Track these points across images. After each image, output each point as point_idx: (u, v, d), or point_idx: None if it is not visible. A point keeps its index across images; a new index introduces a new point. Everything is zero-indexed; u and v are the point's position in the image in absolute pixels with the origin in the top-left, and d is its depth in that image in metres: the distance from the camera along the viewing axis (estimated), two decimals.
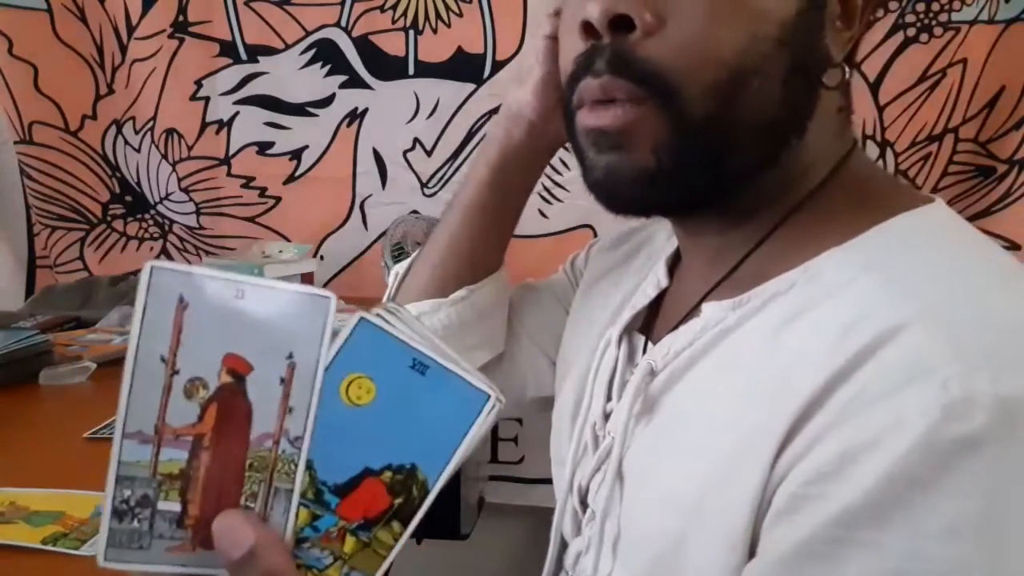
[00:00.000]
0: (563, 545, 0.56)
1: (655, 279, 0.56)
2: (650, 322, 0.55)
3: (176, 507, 0.31)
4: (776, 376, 0.40)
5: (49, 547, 0.59)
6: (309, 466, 0.32)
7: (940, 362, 0.35)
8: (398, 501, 0.33)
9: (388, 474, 0.33)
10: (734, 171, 0.45)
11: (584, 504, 0.53)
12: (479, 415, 0.33)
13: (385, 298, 0.73)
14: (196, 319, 0.30)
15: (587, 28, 0.44)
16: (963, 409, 0.33)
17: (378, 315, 0.33)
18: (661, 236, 0.62)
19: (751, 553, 0.39)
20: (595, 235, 1.35)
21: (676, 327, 0.49)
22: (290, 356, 0.31)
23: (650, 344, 0.52)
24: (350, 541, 0.33)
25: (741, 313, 0.44)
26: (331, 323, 0.31)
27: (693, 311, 0.49)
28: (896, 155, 1.33)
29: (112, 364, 1.06)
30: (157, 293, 0.29)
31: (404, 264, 0.72)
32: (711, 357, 0.45)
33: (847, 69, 0.46)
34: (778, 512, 0.38)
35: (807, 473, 0.37)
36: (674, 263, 0.57)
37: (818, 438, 0.37)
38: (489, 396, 0.33)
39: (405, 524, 0.33)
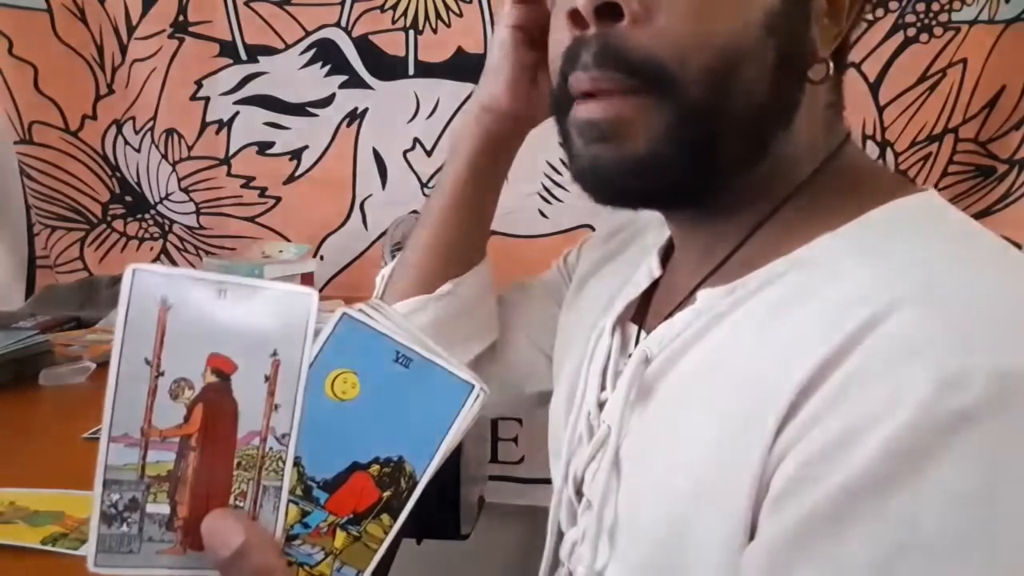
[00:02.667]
0: (559, 537, 0.56)
1: (647, 269, 0.56)
2: (643, 312, 0.55)
3: (165, 509, 0.31)
4: (771, 360, 0.40)
5: (49, 547, 0.59)
6: (297, 463, 0.32)
7: (936, 338, 0.35)
8: (387, 494, 0.33)
9: (376, 467, 0.33)
10: (724, 161, 0.45)
11: (579, 494, 0.53)
12: (463, 405, 0.33)
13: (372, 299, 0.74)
14: (179, 320, 0.30)
15: (574, 16, 0.44)
16: (960, 382, 0.34)
17: (360, 310, 0.34)
18: (652, 228, 0.62)
19: (752, 538, 0.39)
20: None
21: (670, 315, 0.49)
22: (274, 354, 0.31)
23: (643, 333, 0.52)
24: (340, 536, 0.33)
25: (734, 298, 0.45)
26: (313, 320, 0.31)
27: (687, 299, 0.49)
28: (896, 155, 1.33)
29: None
30: (139, 295, 0.29)
31: (389, 267, 0.72)
32: (705, 342, 0.45)
33: (831, 64, 0.46)
34: (777, 495, 0.38)
35: (805, 454, 0.37)
36: (666, 254, 0.57)
37: (815, 420, 0.37)
38: (473, 386, 0.33)
39: (395, 517, 0.33)
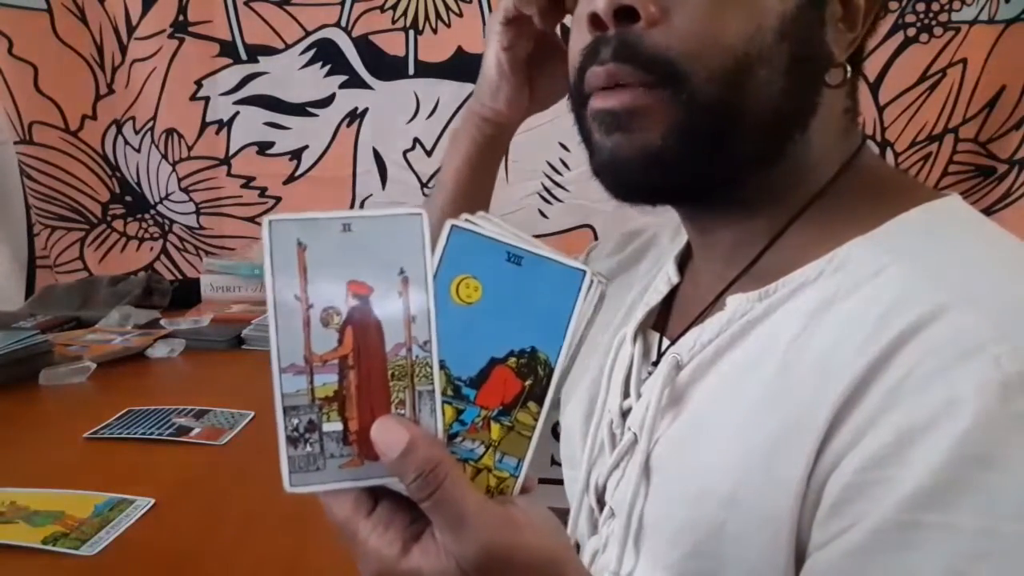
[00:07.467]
0: (576, 547, 0.56)
1: (666, 276, 0.56)
2: (663, 319, 0.55)
3: (338, 426, 0.33)
4: (811, 365, 0.40)
5: (49, 547, 0.59)
6: (442, 365, 0.35)
7: (988, 340, 0.35)
8: (528, 383, 0.36)
9: (513, 360, 0.36)
10: (738, 158, 0.46)
11: (600, 503, 0.53)
12: (579, 290, 0.36)
13: None
14: (316, 257, 0.33)
15: (594, 20, 0.45)
16: (1020, 384, 0.34)
17: (466, 220, 0.37)
18: (665, 237, 0.63)
19: (797, 543, 0.39)
20: (595, 235, 1.35)
21: (698, 321, 0.49)
22: (401, 271, 0.34)
23: (665, 340, 0.52)
24: (495, 428, 0.36)
25: (768, 304, 0.45)
26: (428, 235, 0.34)
27: (715, 304, 0.49)
28: (896, 155, 1.33)
29: (112, 364, 1.06)
30: (278, 242, 0.33)
31: None
32: (739, 348, 0.46)
33: (848, 69, 0.46)
34: (834, 503, 0.38)
35: (861, 460, 0.37)
36: (683, 260, 0.57)
37: (868, 424, 0.37)
38: (584, 272, 0.36)
39: (540, 403, 0.36)
